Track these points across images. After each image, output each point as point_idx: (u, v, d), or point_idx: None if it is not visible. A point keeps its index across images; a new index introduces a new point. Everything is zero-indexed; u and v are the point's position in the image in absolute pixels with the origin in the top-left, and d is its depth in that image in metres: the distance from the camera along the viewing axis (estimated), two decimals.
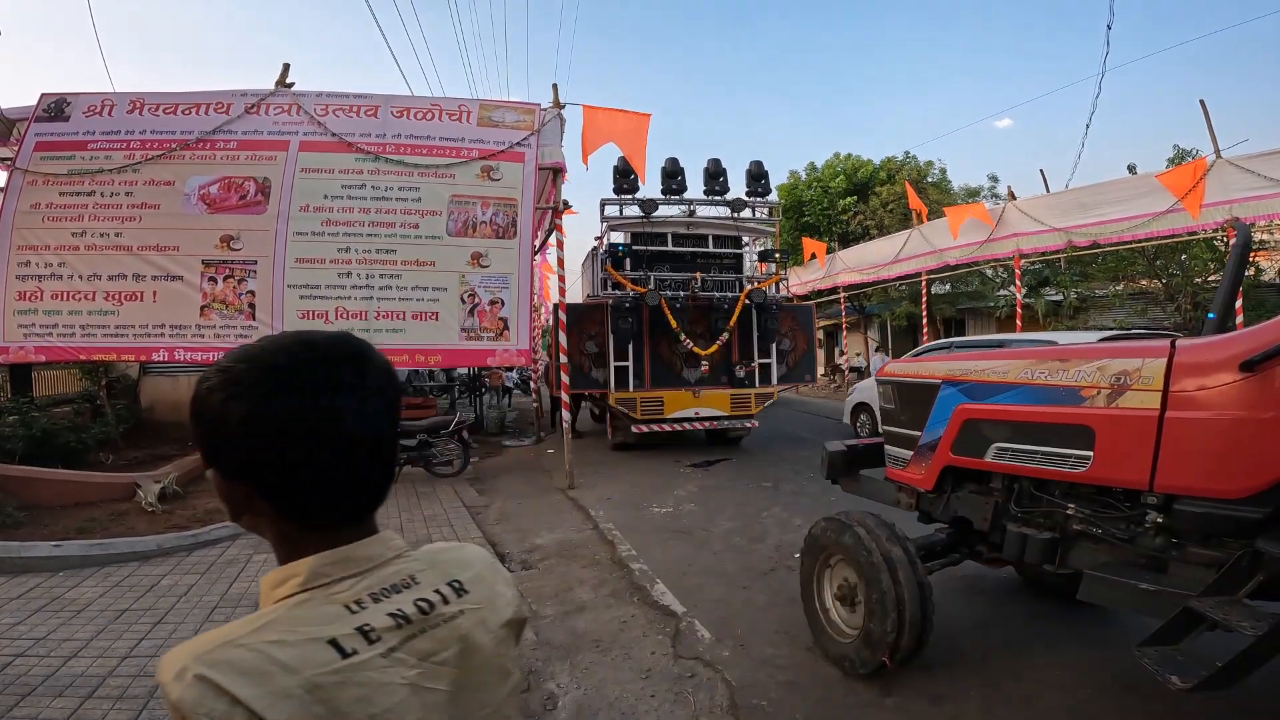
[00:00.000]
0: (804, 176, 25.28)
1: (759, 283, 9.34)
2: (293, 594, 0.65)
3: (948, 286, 19.99)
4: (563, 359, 7.93)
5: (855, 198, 23.21)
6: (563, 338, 7.82)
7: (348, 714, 0.58)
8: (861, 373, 22.42)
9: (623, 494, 7.10)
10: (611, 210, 9.25)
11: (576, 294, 12.14)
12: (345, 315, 7.02)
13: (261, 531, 0.70)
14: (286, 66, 7.85)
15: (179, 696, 0.54)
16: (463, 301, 7.26)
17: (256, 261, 6.96)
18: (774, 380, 9.51)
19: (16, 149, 7.17)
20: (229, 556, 5.14)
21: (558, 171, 7.97)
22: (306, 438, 0.64)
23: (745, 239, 9.94)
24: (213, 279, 6.88)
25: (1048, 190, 12.13)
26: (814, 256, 18.42)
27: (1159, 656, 1.98)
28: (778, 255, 9.82)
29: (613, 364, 8.93)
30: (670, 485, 7.45)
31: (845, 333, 21.61)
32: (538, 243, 9.24)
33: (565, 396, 7.89)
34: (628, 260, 8.93)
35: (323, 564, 0.66)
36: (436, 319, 7.20)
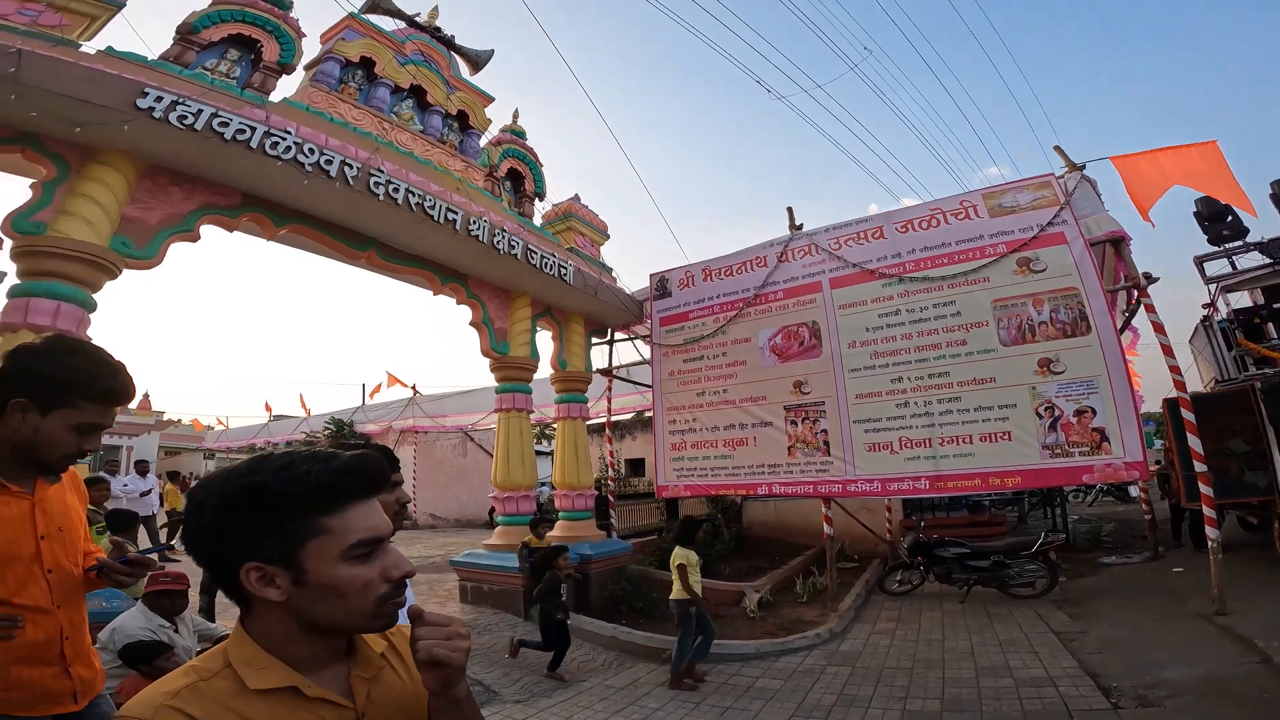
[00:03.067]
0: None
1: None
2: None
3: None
4: (1199, 467, 6.03)
5: None
6: (1193, 441, 6.04)
7: None
8: None
9: None
10: (1215, 267, 7.03)
11: (1191, 380, 9.49)
12: (909, 444, 7.10)
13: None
14: (790, 210, 8.84)
15: None
16: (1039, 416, 6.46)
17: (824, 402, 7.77)
18: None
19: (650, 327, 9.61)
20: (806, 666, 5.46)
21: (1118, 241, 6.58)
22: None
23: None
24: (794, 422, 7.97)
25: None
26: None
27: None
28: None
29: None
30: None
31: None
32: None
33: (1209, 510, 5.94)
34: (1269, 325, 6.51)
35: None
36: (1009, 439, 6.57)
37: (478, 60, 7.99)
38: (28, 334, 4.04)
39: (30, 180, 4.53)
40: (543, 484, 11.06)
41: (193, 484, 5.59)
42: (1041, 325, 6.65)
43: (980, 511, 10.76)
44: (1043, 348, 6.60)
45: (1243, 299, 7.09)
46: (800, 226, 8.77)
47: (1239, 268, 6.94)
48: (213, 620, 5.09)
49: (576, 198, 9.65)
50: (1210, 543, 5.83)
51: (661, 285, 9.66)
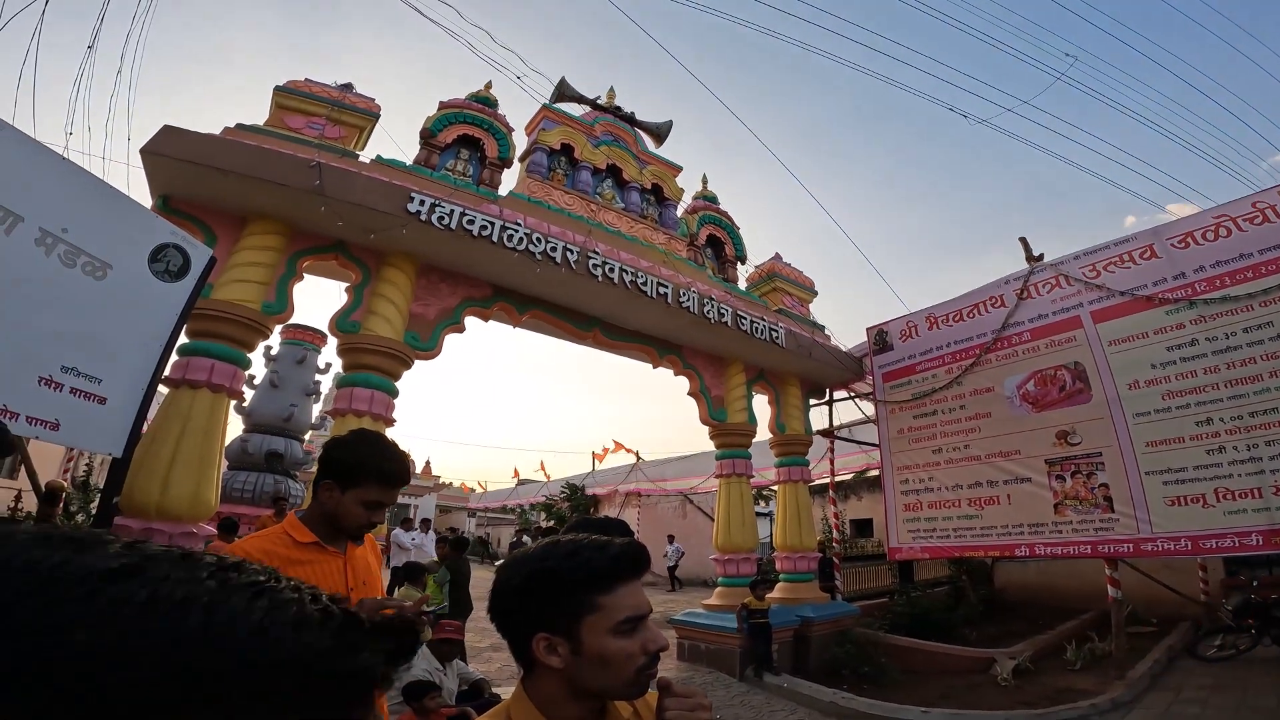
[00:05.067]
0: None
1: None
2: None
3: None
4: None
5: None
6: None
7: None
8: None
9: None
10: None
11: None
12: (1230, 496, 5.67)
13: None
14: (1024, 241, 7.85)
15: None
16: None
17: (1100, 453, 6.55)
18: None
19: (871, 383, 8.99)
20: None
21: None
22: None
23: None
24: (1060, 477, 6.82)
25: None
26: None
27: None
28: None
29: None
30: None
31: None
32: None
33: None
34: None
35: None
36: None
37: (660, 132, 8.49)
38: (353, 418, 5.02)
39: (344, 284, 5.63)
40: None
41: (453, 538, 6.44)
42: None
43: None
44: None
45: None
46: (1040, 257, 7.79)
47: None
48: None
49: (778, 256, 9.61)
50: None
51: (880, 338, 9.11)
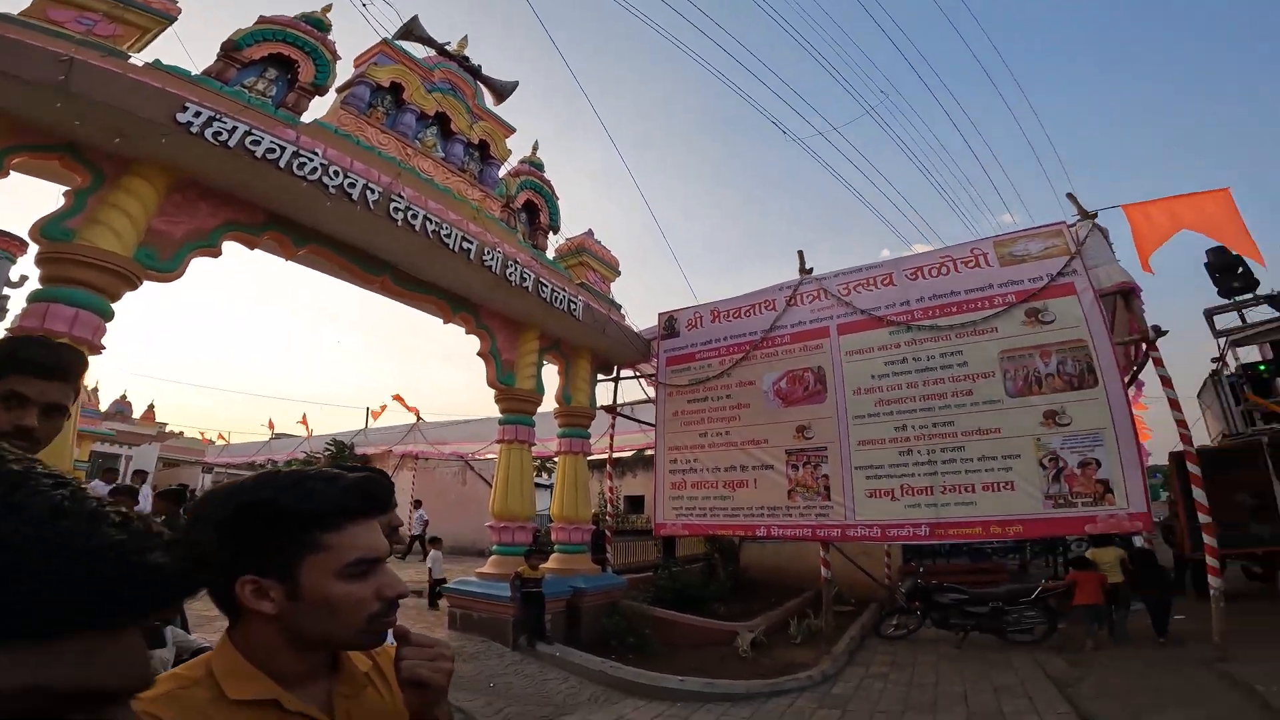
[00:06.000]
0: None
1: None
2: None
3: None
4: (1202, 518, 5.97)
5: None
6: (1197, 493, 5.94)
7: None
8: None
9: None
10: (1226, 320, 7.08)
11: (1199, 435, 9.42)
12: (910, 492, 7.06)
13: None
14: (801, 254, 8.86)
15: None
16: (1043, 467, 6.42)
17: (826, 448, 7.74)
18: None
19: (656, 366, 9.58)
20: (797, 708, 5.36)
21: (1128, 293, 6.59)
22: None
23: None
24: (795, 466, 7.93)
25: None
26: None
27: None
28: None
29: None
30: None
31: None
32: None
33: (1212, 560, 5.88)
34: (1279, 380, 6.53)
35: None
36: (1012, 489, 6.53)
37: (503, 91, 8.22)
38: None
39: (63, 188, 4.63)
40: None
41: (165, 490, 5.50)
42: (1049, 377, 6.66)
43: (982, 559, 10.85)
44: (1049, 400, 6.59)
45: (1252, 353, 7.10)
46: (810, 270, 8.82)
47: (1248, 321, 6.97)
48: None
49: (590, 233, 9.78)
50: (1212, 590, 5.80)
51: (670, 325, 9.73)
